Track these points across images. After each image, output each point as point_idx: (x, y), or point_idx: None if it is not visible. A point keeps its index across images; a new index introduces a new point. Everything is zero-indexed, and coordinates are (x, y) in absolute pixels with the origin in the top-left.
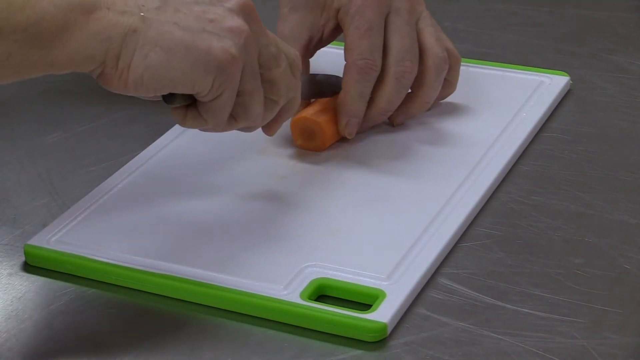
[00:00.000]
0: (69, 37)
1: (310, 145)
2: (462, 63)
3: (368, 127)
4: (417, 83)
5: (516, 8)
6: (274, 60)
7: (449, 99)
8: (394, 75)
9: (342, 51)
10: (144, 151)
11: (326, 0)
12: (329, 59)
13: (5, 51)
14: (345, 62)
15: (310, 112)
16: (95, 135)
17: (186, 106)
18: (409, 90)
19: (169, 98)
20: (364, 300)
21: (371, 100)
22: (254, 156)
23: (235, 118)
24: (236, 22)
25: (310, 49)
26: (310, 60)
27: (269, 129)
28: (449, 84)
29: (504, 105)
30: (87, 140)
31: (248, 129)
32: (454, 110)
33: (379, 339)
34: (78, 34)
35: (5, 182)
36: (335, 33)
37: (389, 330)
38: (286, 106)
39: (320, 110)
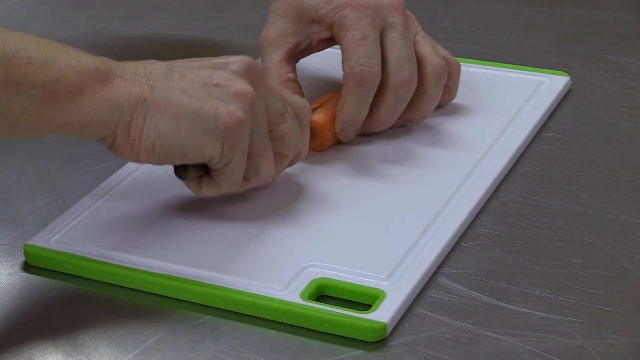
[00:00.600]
0: (83, 101)
1: (310, 146)
2: (462, 63)
3: (365, 132)
4: (417, 92)
5: (516, 8)
6: (280, 116)
7: None
8: (392, 86)
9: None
10: None
11: (317, 13)
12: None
13: (20, 106)
14: (343, 73)
15: None
16: None
17: (199, 176)
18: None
19: (181, 173)
20: (364, 300)
21: (370, 111)
22: None
23: (248, 179)
24: (241, 85)
25: (295, 53)
26: (309, 61)
27: None
28: (449, 90)
29: (504, 105)
30: (87, 140)
31: (259, 185)
32: (454, 110)
33: (379, 339)
34: (92, 98)
35: (5, 182)
36: (325, 44)
37: (389, 330)
38: (295, 158)
39: (321, 111)
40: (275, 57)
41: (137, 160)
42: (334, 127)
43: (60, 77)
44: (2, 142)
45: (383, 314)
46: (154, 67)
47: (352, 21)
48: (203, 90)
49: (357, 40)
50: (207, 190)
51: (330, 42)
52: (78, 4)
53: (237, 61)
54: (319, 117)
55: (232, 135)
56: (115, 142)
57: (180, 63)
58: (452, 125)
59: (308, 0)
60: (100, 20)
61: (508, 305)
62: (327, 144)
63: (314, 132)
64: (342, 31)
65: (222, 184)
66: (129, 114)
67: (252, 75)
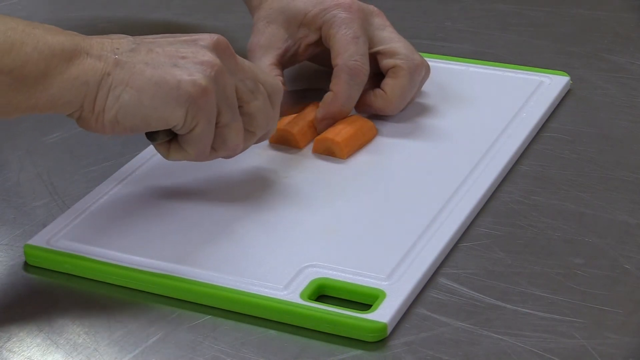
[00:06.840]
0: (50, 82)
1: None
2: (462, 63)
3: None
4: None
5: (516, 8)
6: (250, 94)
7: (449, 98)
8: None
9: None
10: (144, 151)
11: (305, 16)
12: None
13: None
14: (334, 67)
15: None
16: (95, 135)
17: (169, 140)
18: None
19: (151, 135)
20: (364, 300)
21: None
22: (255, 156)
23: (215, 149)
24: (207, 56)
25: (284, 60)
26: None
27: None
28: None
29: (504, 106)
30: (87, 140)
31: (227, 156)
32: (454, 110)
33: (379, 339)
34: (59, 78)
35: (5, 182)
36: (313, 48)
37: (389, 330)
38: (263, 135)
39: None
40: (265, 61)
41: (104, 132)
42: (307, 130)
43: (27, 62)
44: (2, 142)
45: (383, 314)
46: (122, 42)
47: (344, 20)
48: (168, 61)
49: (350, 38)
50: (175, 155)
51: (316, 46)
52: (78, 4)
53: (206, 38)
54: (292, 127)
55: (195, 103)
56: (82, 116)
57: (150, 39)
58: (452, 126)
59: (296, 4)
60: (100, 20)
61: (508, 305)
62: (302, 145)
63: (287, 140)
64: (334, 29)
65: (189, 150)
66: (95, 89)
67: (220, 51)
